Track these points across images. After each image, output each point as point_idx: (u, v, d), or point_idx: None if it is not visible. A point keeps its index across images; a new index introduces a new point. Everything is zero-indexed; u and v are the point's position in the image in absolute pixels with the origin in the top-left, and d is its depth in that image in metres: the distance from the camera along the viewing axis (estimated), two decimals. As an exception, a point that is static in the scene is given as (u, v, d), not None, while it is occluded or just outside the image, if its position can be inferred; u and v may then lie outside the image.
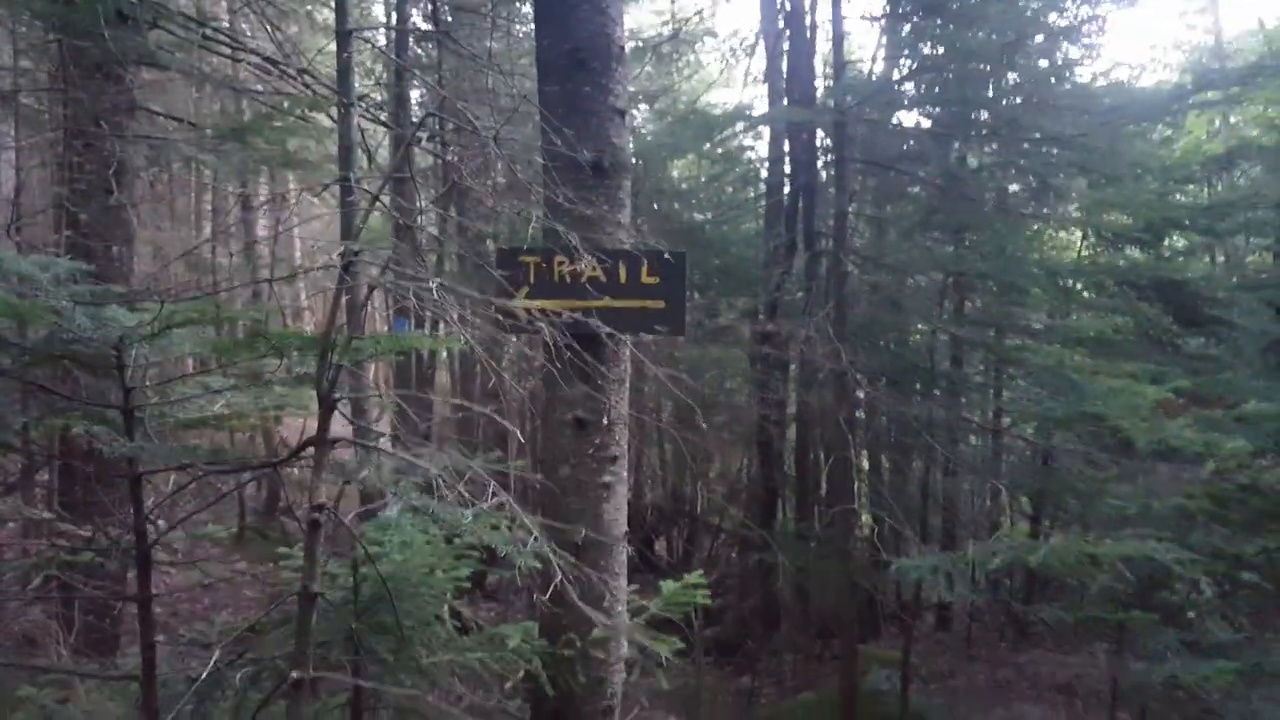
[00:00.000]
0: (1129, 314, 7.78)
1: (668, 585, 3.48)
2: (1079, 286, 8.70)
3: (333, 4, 5.30)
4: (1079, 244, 9.98)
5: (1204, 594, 5.12)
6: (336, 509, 2.33)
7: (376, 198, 1.98)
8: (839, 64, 8.81)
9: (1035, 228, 9.52)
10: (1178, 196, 9.02)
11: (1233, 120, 13.50)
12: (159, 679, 2.47)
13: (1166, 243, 9.08)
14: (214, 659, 2.36)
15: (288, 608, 2.88)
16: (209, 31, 6.44)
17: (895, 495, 7.96)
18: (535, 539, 2.12)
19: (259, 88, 7.31)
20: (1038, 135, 8.13)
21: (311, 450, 2.35)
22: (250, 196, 10.50)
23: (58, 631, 4.06)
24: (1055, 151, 8.31)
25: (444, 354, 9.34)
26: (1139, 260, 8.26)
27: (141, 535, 2.29)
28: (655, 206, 9.95)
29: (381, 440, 3.66)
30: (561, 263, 3.17)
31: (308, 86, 6.11)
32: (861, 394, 7.64)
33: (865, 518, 8.10)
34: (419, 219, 6.16)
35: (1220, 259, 11.46)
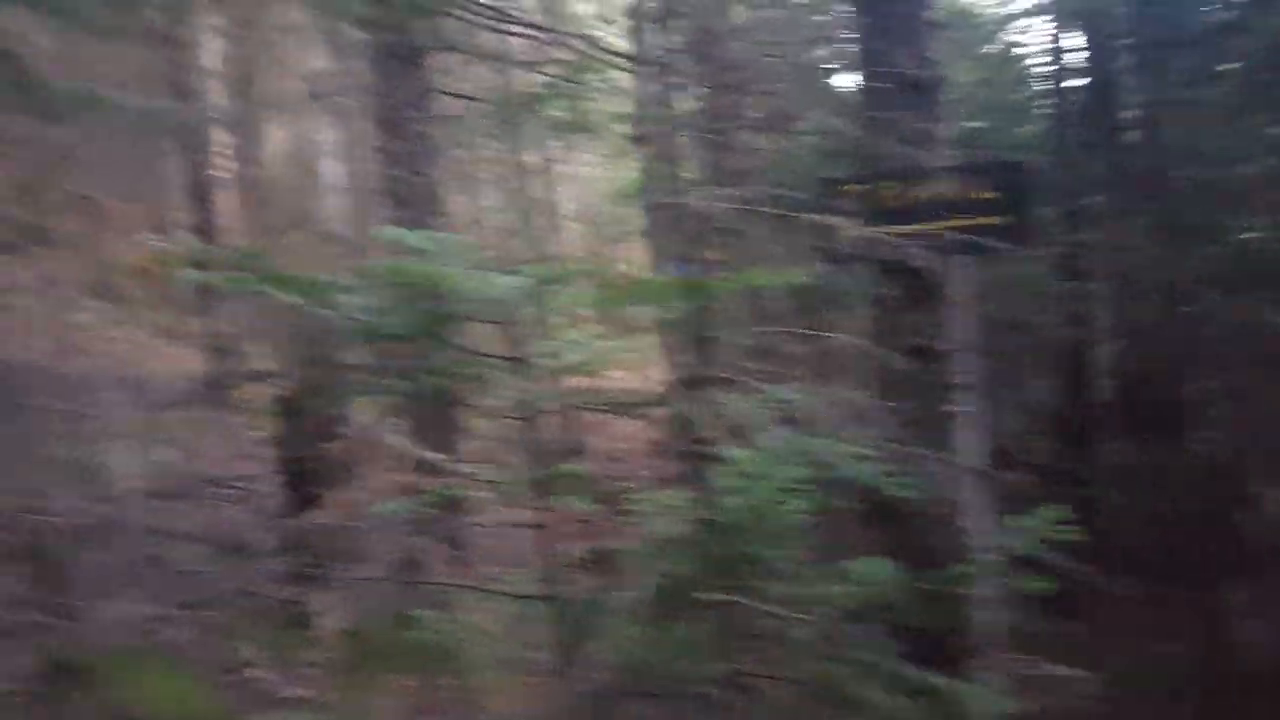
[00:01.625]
0: None
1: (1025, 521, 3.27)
2: None
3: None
4: None
5: None
6: (711, 442, 2.43)
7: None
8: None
9: None
10: None
11: None
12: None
13: None
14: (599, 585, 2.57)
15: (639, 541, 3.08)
16: (492, 13, 6.87)
17: (1248, 417, 6.98)
18: (917, 464, 2.08)
19: (530, 59, 7.73)
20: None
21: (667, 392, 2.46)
22: (525, 163, 11.23)
23: (437, 560, 4.66)
24: None
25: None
26: None
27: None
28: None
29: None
30: (889, 188, 3.05)
31: (583, 52, 6.33)
32: (1195, 305, 6.74)
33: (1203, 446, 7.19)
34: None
35: None
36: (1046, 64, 9.50)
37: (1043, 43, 9.83)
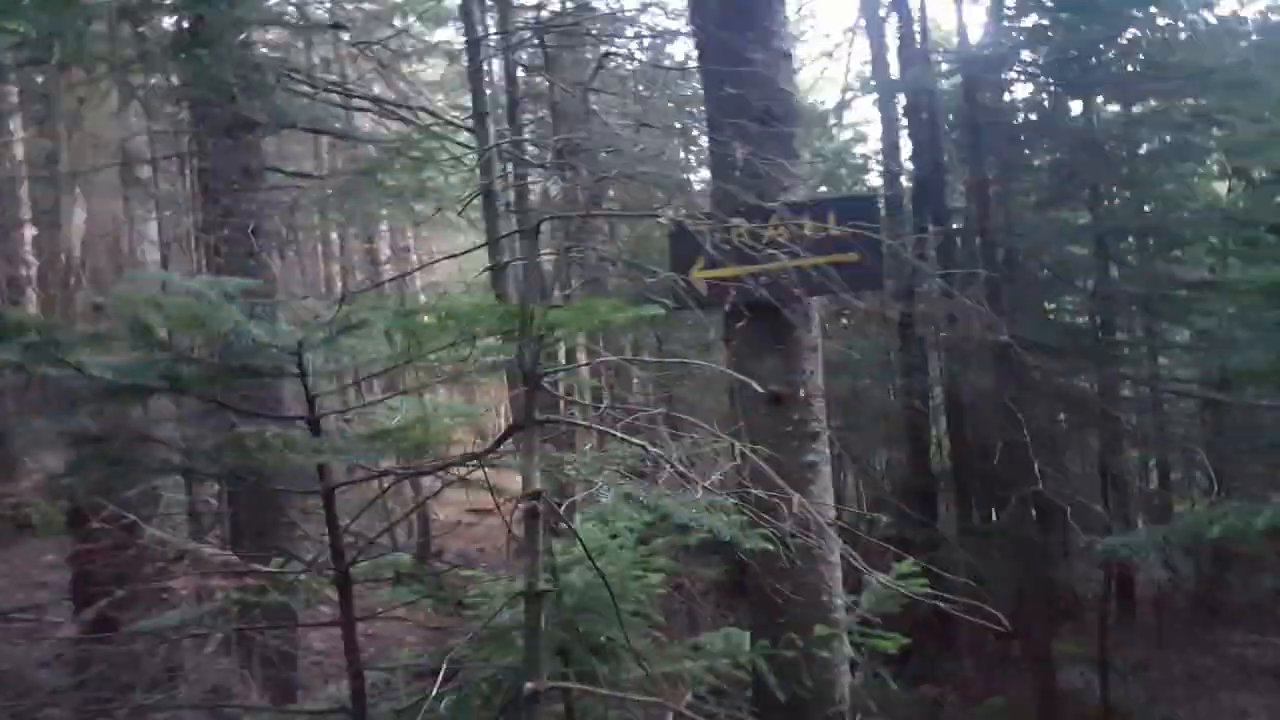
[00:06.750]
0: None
1: (877, 578, 3.05)
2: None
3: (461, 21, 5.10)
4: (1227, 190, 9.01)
5: None
6: (549, 498, 2.05)
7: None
8: (962, 30, 8.54)
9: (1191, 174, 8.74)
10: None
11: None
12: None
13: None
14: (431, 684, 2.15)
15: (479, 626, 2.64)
16: (329, 85, 6.37)
17: (1065, 475, 7.35)
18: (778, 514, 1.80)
19: (377, 131, 7.26)
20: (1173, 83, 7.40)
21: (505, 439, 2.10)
22: (376, 248, 10.80)
23: (248, 679, 3.97)
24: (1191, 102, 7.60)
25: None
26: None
27: (340, 555, 2.06)
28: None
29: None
30: (737, 227, 2.85)
31: (426, 126, 5.96)
32: (1024, 369, 7.05)
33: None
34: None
35: None
36: (880, 156, 10.08)
37: (875, 136, 10.56)
